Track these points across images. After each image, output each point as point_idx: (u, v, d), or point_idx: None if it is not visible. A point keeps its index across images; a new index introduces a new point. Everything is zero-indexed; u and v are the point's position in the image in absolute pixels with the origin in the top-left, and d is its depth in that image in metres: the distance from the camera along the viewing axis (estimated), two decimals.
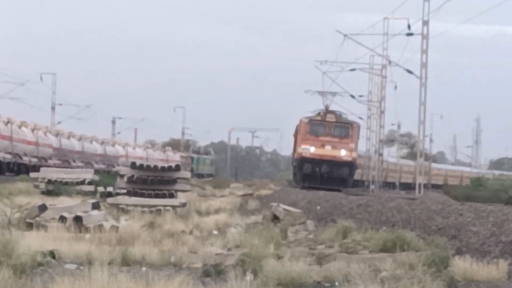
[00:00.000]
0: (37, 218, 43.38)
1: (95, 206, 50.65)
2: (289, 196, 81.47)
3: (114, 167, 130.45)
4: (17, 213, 44.00)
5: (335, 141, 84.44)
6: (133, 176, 65.60)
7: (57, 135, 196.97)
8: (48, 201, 55.44)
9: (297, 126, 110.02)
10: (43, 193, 74.61)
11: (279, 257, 29.12)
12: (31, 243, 30.06)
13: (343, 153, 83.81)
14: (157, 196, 63.45)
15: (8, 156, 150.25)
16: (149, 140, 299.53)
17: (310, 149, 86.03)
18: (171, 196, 63.75)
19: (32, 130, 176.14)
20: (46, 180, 76.69)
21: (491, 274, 27.14)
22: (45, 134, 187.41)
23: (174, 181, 66.38)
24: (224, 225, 49.10)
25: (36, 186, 79.02)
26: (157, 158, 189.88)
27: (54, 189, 77.83)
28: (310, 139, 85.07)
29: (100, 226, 40.55)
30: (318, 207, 66.31)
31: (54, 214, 45.75)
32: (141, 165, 68.08)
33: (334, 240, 37.35)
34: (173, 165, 73.44)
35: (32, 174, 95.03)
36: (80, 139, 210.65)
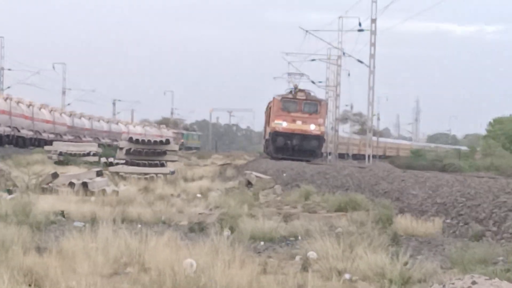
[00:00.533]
0: (50, 184, 44.14)
1: (99, 174, 51.61)
2: (260, 165, 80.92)
3: (117, 142, 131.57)
4: (33, 180, 44.56)
5: (305, 116, 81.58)
6: (130, 149, 66.17)
7: (70, 115, 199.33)
8: (59, 170, 55.80)
9: (269, 104, 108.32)
10: (55, 163, 75.22)
11: (252, 216, 29.49)
12: (45, 204, 30.64)
13: (312, 128, 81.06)
14: (150, 165, 64.10)
15: (30, 133, 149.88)
16: (144, 119, 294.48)
17: (282, 124, 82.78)
18: (162, 165, 64.50)
19: (50, 111, 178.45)
20: (57, 152, 77.46)
21: (428, 230, 27.86)
22: (60, 114, 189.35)
23: (164, 152, 66.92)
24: (206, 189, 49.14)
25: (50, 157, 79.52)
26: (153, 134, 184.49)
27: (64, 159, 79.07)
28: (282, 115, 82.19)
29: (103, 191, 41.65)
30: (284, 174, 66.35)
31: (64, 181, 46.49)
32: (137, 140, 69.20)
33: (298, 202, 37.98)
34: (163, 139, 74.21)
35: (46, 147, 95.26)
36: (89, 119, 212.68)
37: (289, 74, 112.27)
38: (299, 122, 79.47)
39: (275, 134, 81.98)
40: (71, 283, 13.50)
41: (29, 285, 13.59)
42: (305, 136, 79.91)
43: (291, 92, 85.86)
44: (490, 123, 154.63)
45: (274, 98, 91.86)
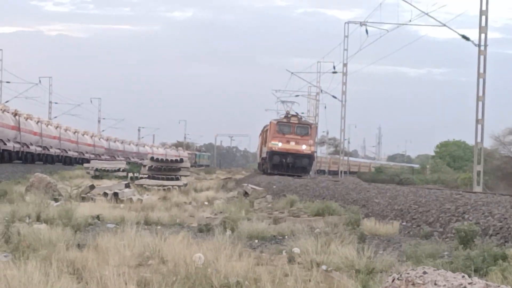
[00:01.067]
0: (88, 194, 44.19)
1: (127, 186, 51.44)
2: (255, 179, 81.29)
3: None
4: (75, 190, 44.80)
5: (297, 138, 78.60)
6: (152, 166, 66.62)
7: (107, 139, 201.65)
8: (95, 182, 56.26)
9: (264, 127, 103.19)
10: (92, 177, 75.19)
11: (248, 219, 29.63)
12: (84, 210, 30.88)
13: (304, 148, 78.63)
14: (167, 179, 64.64)
15: (76, 154, 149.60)
16: (163, 142, 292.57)
17: (278, 144, 79.82)
18: (177, 179, 65.08)
19: (91, 137, 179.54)
20: (94, 168, 78.10)
21: (388, 230, 28.33)
22: (99, 139, 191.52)
23: (179, 169, 67.29)
24: (212, 198, 49.13)
25: (88, 173, 80.00)
26: (173, 154, 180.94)
27: (99, 174, 79.47)
28: (278, 137, 79.05)
29: (130, 199, 41.84)
30: (274, 186, 64.56)
31: (99, 191, 46.54)
32: (157, 159, 69.76)
33: (284, 208, 38.23)
34: (178, 158, 75.01)
35: (85, 165, 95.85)
36: (122, 142, 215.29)
37: (282, 101, 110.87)
38: (292, 143, 77.57)
39: (272, 153, 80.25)
40: (104, 272, 13.61)
41: (72, 274, 13.70)
42: (297, 155, 78.08)
43: (285, 116, 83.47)
44: (437, 145, 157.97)
45: (271, 122, 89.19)
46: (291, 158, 76.64)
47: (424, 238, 25.08)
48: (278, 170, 76.34)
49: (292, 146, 77.65)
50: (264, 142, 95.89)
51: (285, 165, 76.72)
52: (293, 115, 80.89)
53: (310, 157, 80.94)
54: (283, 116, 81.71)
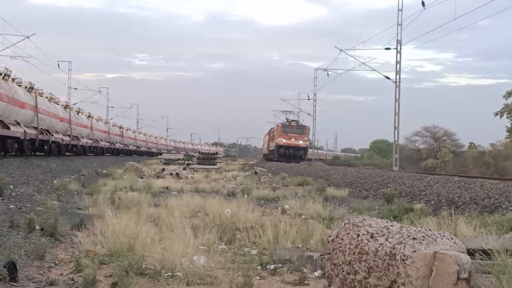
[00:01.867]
0: (161, 174, 44.51)
1: (184, 169, 51.27)
2: (261, 164, 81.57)
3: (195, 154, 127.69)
4: (152, 172, 46.31)
5: (296, 136, 75.32)
6: (199, 156, 67.12)
7: (174, 141, 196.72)
8: (165, 167, 56.27)
9: (270, 130, 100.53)
10: (163, 163, 70.58)
11: (257, 188, 30.54)
12: (158, 183, 31.18)
13: (300, 143, 75.49)
14: (209, 164, 64.87)
15: (144, 149, 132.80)
16: (205, 142, 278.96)
17: (283, 140, 76.43)
18: (214, 164, 65.11)
19: (165, 139, 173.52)
20: (164, 158, 77.95)
21: (342, 194, 28.54)
22: (165, 140, 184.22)
23: (215, 158, 67.75)
24: (235, 175, 49.39)
25: (160, 161, 79.15)
26: (213, 150, 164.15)
27: (167, 162, 75.38)
28: (283, 135, 75.64)
29: (186, 177, 40.86)
30: (273, 168, 62.23)
31: (167, 172, 45.55)
32: (203, 152, 70.50)
33: (279, 181, 39.03)
34: (215, 152, 75.20)
35: (159, 156, 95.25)
36: (184, 143, 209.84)
37: (283, 111, 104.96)
38: (293, 139, 75.38)
39: (279, 147, 77.50)
40: (171, 220, 13.94)
41: (151, 222, 13.96)
42: (296, 148, 75.83)
43: (287, 120, 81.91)
44: (371, 142, 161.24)
45: (277, 125, 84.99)
46: (292, 150, 74.32)
47: (364, 199, 25.72)
48: (283, 158, 72.80)
49: (292, 141, 75.11)
50: (271, 139, 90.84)
51: (288, 155, 73.65)
52: (292, 120, 78.90)
53: (305, 149, 78.34)
54: (285, 121, 79.54)
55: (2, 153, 27.09)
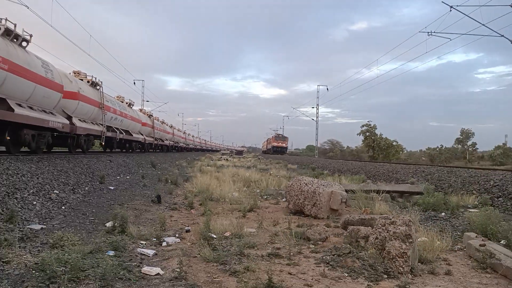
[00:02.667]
0: (220, 158, 38.85)
1: (230, 156, 46.37)
2: (262, 155, 76.67)
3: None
4: (216, 158, 39.64)
5: (282, 141, 66.67)
6: (234, 152, 65.52)
7: (231, 144, 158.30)
8: (221, 156, 53.31)
9: (268, 138, 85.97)
10: (221, 154, 60.69)
11: (259, 164, 26.86)
12: (219, 163, 28.08)
13: (284, 145, 66.63)
14: (239, 155, 61.72)
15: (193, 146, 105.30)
16: (237, 144, 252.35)
17: (275, 143, 67.69)
18: (242, 155, 61.85)
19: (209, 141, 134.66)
20: (221, 152, 72.48)
21: (294, 167, 25.03)
22: (208, 141, 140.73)
23: (241, 152, 65.92)
24: (250, 159, 42.46)
25: (220, 153, 72.55)
26: (241, 149, 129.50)
27: (222, 153, 66.21)
28: (275, 141, 67.26)
29: (227, 159, 37.70)
30: (267, 156, 58.88)
31: (223, 158, 40.76)
32: (236, 150, 68.69)
33: (269, 162, 33.78)
34: (242, 150, 73.27)
35: (219, 151, 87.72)
36: (221, 144, 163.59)
37: (273, 130, 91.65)
38: (279, 143, 66.99)
39: (273, 147, 68.56)
40: (224, 178, 13.87)
41: (216, 179, 13.66)
42: (281, 148, 66.89)
43: (277, 133, 72.39)
44: (306, 146, 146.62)
45: (272, 136, 75.12)
46: (279, 149, 66.54)
47: (303, 169, 22.71)
48: (275, 153, 65.61)
49: (279, 144, 67.10)
50: (268, 143, 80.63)
51: (278, 151, 66.01)
52: (279, 134, 72.27)
53: (286, 148, 69.81)
54: (276, 134, 73.03)
55: (130, 151, 24.52)
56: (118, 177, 12.99)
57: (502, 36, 16.53)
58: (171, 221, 6.82)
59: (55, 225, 5.82)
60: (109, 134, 17.69)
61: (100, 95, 16.61)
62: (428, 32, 17.87)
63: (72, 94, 13.74)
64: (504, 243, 5.12)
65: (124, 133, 21.60)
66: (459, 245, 5.36)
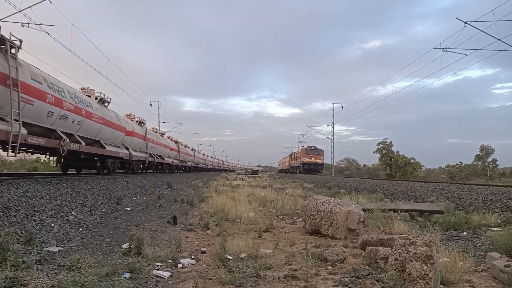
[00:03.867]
0: (236, 178, 38.97)
1: (245, 176, 47.35)
2: (277, 174, 74.59)
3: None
4: (232, 178, 40.33)
5: (315, 155, 53.75)
6: (250, 171, 64.90)
7: (228, 162, 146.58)
8: (237, 175, 53.39)
9: (291, 153, 72.33)
10: (237, 174, 60.64)
11: (275, 184, 26.53)
12: (235, 182, 27.84)
13: (318, 160, 54.00)
14: (255, 174, 61.24)
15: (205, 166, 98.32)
16: (254, 163, 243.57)
17: (306, 159, 53.99)
18: (257, 174, 61.49)
19: (225, 161, 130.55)
20: (237, 172, 71.44)
21: (310, 186, 24.30)
22: (224, 161, 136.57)
23: (257, 172, 65.18)
24: (266, 178, 41.93)
25: (236, 173, 70.87)
26: (256, 168, 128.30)
27: (238, 173, 65.73)
28: (306, 155, 53.85)
29: (246, 179, 37.32)
30: (281, 175, 58.32)
31: (239, 177, 40.38)
32: (252, 170, 67.83)
33: (283, 181, 33.28)
34: (258, 169, 72.84)
35: (235, 171, 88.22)
36: (236, 164, 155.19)
37: (300, 141, 77.28)
38: (313, 158, 53.69)
39: (303, 164, 54.54)
40: (239, 197, 13.79)
41: (231, 199, 13.54)
42: (316, 165, 53.94)
43: (309, 146, 56.58)
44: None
45: (302, 148, 59.64)
46: (312, 166, 53.22)
47: (319, 188, 21.83)
48: (306, 172, 52.11)
49: (312, 159, 53.39)
50: (293, 159, 65.57)
51: (310, 169, 52.78)
52: (312, 145, 56.03)
53: (322, 165, 55.00)
54: (307, 146, 56.65)
55: (161, 171, 29.06)
56: (134, 198, 13.08)
57: None
58: (186, 242, 6.79)
59: (73, 247, 5.87)
60: (150, 159, 23.11)
61: (144, 131, 22.60)
62: (443, 49, 17.75)
63: (129, 132, 19.27)
64: None
65: (158, 158, 25.93)
66: (483, 266, 5.15)
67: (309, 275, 4.68)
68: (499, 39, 16.21)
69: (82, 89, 15.40)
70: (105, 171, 16.93)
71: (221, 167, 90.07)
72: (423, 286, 3.98)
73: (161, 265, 5.13)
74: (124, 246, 6.00)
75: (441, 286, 4.25)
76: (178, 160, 35.23)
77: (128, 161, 19.35)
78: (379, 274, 4.42)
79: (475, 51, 18.00)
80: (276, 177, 46.25)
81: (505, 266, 4.61)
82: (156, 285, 4.32)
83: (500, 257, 5.10)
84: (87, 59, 19.54)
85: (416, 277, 4.04)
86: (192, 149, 44.35)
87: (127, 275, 4.49)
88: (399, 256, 4.35)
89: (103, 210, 9.46)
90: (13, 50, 8.64)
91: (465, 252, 5.46)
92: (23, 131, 8.77)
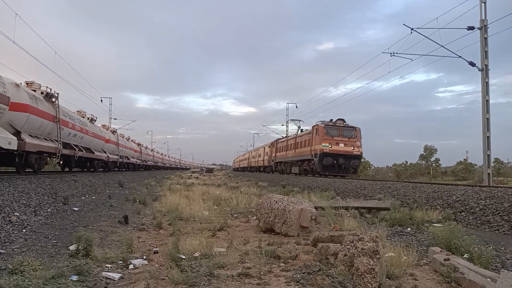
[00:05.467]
0: (190, 176, 38.69)
1: (200, 174, 46.97)
2: (233, 173, 74.02)
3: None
4: (187, 176, 40.16)
5: (346, 140, 25.32)
6: (205, 170, 63.56)
7: (202, 162, 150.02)
8: (192, 174, 52.42)
9: (295, 134, 34.86)
10: (191, 172, 59.90)
11: (230, 182, 26.12)
12: (189, 181, 27.60)
13: (353, 149, 25.29)
14: (210, 172, 60.15)
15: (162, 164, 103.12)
16: (208, 162, 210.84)
17: (329, 145, 24.48)
18: (212, 172, 60.22)
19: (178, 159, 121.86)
20: (191, 170, 71.28)
21: (264, 184, 24.28)
22: (178, 159, 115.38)
23: (212, 170, 64.35)
24: (221, 177, 42.14)
25: (190, 171, 73.05)
26: (212, 166, 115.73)
27: (193, 171, 64.75)
28: (329, 138, 25.02)
29: (198, 177, 37.30)
30: (235, 173, 58.44)
31: (193, 176, 40.72)
32: (206, 168, 66.65)
33: (239, 179, 33.46)
34: (213, 168, 71.94)
35: (189, 169, 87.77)
36: (190, 162, 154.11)
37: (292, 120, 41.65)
38: (342, 145, 25.32)
39: (323, 155, 25.03)
40: (194, 196, 13.68)
41: (185, 198, 13.36)
42: (350, 157, 25.30)
43: (331, 121, 26.83)
44: None
45: (314, 126, 27.22)
46: (342, 158, 25.09)
47: (273, 186, 21.67)
48: (329, 171, 25.46)
49: (342, 148, 25.30)
50: (289, 148, 34.41)
51: (335, 166, 25.17)
52: (339, 119, 26.63)
53: (360, 157, 26.19)
54: (329, 122, 26.86)
55: (92, 170, 23.97)
56: (83, 198, 12.60)
57: (460, 57, 17.33)
58: (138, 242, 6.63)
59: (15, 250, 5.57)
60: (66, 151, 16.68)
61: (116, 137, 22.33)
62: (391, 53, 18.43)
63: (107, 140, 24.20)
64: (467, 257, 5.25)
65: (125, 158, 25.26)
66: (425, 260, 5.44)
67: (262, 273, 4.74)
68: (442, 46, 17.14)
69: (26, 83, 14.67)
70: (92, 170, 23.60)
71: (176, 166, 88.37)
72: (370, 280, 4.16)
73: (111, 267, 4.99)
74: (71, 247, 5.77)
75: (387, 279, 4.44)
76: (140, 160, 39.11)
77: (106, 162, 25.61)
78: (329, 269, 4.56)
79: (420, 56, 18.87)
80: (231, 175, 45.83)
81: (444, 259, 4.91)
82: (106, 287, 4.20)
83: (441, 251, 5.43)
84: (34, 52, 18.30)
85: (364, 271, 4.21)
86: (139, 144, 43.26)
87: (75, 277, 4.33)
88: (348, 252, 4.51)
89: (49, 210, 9.03)
90: (54, 99, 15.66)
91: (409, 247, 5.73)
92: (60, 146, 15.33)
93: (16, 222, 7.06)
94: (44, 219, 8.10)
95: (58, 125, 15.47)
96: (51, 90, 15.42)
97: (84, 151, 19.72)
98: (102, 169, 26.78)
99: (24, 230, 6.82)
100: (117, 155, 29.12)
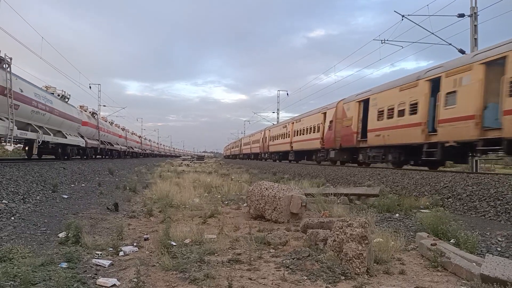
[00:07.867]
0: (181, 164, 38.25)
1: (191, 162, 46.71)
2: (224, 160, 73.28)
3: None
4: (177, 164, 39.80)
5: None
6: (196, 157, 63.82)
7: (172, 148, 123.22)
8: (182, 161, 52.15)
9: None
10: (182, 160, 58.83)
11: (221, 169, 26.12)
12: (180, 168, 27.53)
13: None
14: (201, 160, 60.23)
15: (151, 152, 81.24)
16: (199, 149, 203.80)
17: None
18: (203, 160, 60.37)
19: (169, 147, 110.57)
20: (182, 158, 70.37)
21: (255, 172, 24.20)
22: (169, 147, 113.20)
23: (203, 157, 64.64)
24: (212, 164, 41.78)
25: (181, 159, 71.27)
26: (202, 154, 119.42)
27: (183, 159, 63.81)
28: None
29: (189, 165, 36.85)
30: (227, 161, 58.93)
31: (184, 163, 39.97)
32: (197, 156, 66.81)
33: (229, 167, 33.89)
34: (203, 155, 72.09)
35: (180, 157, 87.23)
36: (181, 149, 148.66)
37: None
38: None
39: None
40: (185, 184, 13.70)
41: (176, 185, 13.39)
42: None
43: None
44: None
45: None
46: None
47: (264, 174, 21.63)
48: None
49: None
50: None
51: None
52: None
53: None
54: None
55: (65, 158, 19.93)
56: (72, 185, 12.51)
57: (450, 44, 17.38)
58: (129, 229, 6.64)
59: (4, 237, 5.52)
60: (102, 146, 16.14)
61: (97, 121, 18.76)
62: (381, 40, 18.40)
63: (84, 123, 21.94)
64: (454, 242, 5.35)
65: (108, 145, 21.68)
66: (412, 245, 5.54)
67: (252, 259, 4.77)
68: (433, 33, 17.19)
69: None
70: (65, 157, 19.09)
71: (167, 153, 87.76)
72: (358, 265, 4.23)
73: (101, 254, 4.98)
74: (60, 235, 5.75)
75: (375, 264, 4.51)
76: (126, 146, 35.53)
77: (84, 148, 21.63)
78: (319, 255, 4.62)
79: (411, 44, 18.88)
80: (222, 163, 45.82)
81: (431, 244, 5.01)
82: (96, 274, 4.18)
83: (428, 236, 5.54)
84: (20, 37, 17.73)
85: (352, 256, 4.27)
86: (123, 129, 40.36)
87: (64, 264, 4.32)
88: (337, 237, 4.56)
89: (37, 198, 8.96)
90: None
91: (397, 232, 5.83)
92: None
93: (5, 209, 7.00)
94: (33, 207, 8.04)
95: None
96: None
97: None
98: (79, 157, 23.16)
99: (12, 218, 6.77)
100: (98, 140, 25.51)
